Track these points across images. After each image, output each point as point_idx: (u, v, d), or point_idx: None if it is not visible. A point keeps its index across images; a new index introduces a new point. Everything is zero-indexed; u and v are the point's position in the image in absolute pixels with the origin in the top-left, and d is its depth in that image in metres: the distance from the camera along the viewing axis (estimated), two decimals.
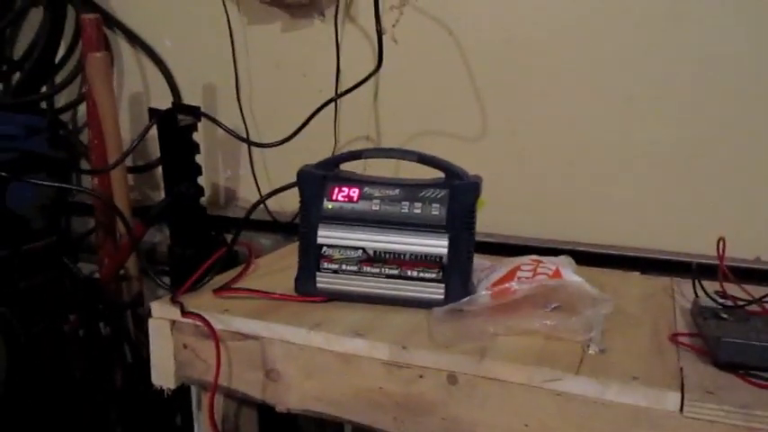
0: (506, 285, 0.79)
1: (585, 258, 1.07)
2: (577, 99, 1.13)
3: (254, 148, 1.39)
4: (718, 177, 1.07)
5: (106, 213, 1.28)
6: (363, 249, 0.83)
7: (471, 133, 1.21)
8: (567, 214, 1.17)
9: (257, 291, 0.89)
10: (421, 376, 0.73)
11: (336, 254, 0.83)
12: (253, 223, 1.39)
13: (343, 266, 0.83)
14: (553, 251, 1.10)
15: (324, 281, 0.85)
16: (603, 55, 1.10)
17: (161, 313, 0.87)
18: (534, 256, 0.90)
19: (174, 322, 0.86)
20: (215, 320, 0.83)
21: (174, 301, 0.86)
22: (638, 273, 1.07)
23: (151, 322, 0.88)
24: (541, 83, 1.15)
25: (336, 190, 0.84)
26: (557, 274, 0.82)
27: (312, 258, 0.84)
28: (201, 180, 1.20)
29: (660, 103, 1.08)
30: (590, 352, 0.72)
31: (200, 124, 1.21)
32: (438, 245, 0.81)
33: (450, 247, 0.81)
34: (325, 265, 0.84)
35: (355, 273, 0.83)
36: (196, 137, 1.18)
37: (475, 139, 1.20)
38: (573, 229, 1.17)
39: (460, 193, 0.82)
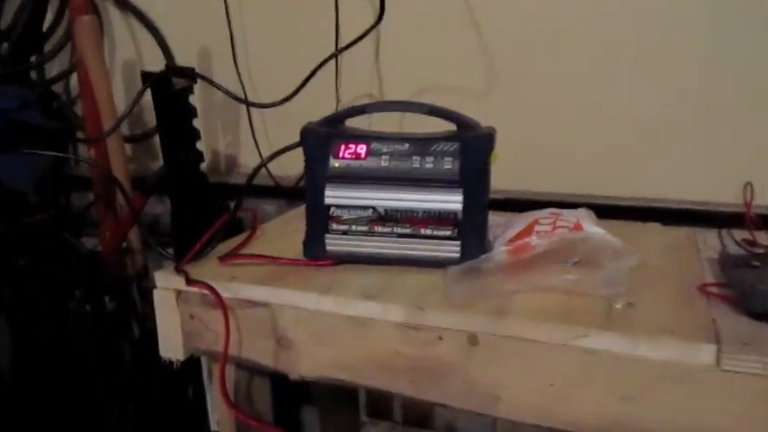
0: (525, 241, 0.76)
1: (603, 211, 1.02)
2: (588, 48, 1.08)
3: (253, 111, 1.34)
4: (735, 124, 1.02)
5: (104, 185, 1.23)
6: (373, 208, 0.79)
7: (480, 87, 1.16)
8: (582, 167, 1.12)
9: (264, 256, 0.85)
10: (440, 338, 0.69)
11: (345, 214, 0.79)
12: (256, 189, 1.34)
13: (353, 227, 0.80)
14: (569, 205, 1.05)
15: (333, 243, 0.81)
16: (613, 4, 1.05)
17: (165, 283, 0.84)
18: (553, 209, 0.86)
19: (179, 292, 0.83)
20: (222, 288, 0.79)
21: (178, 270, 0.82)
22: (658, 224, 1.03)
23: (156, 293, 0.85)
24: (552, 32, 1.10)
25: (343, 147, 0.80)
26: (577, 226, 0.78)
27: (320, 220, 0.80)
28: (201, 146, 1.15)
29: (673, 49, 1.03)
30: (616, 307, 0.68)
31: (196, 88, 1.16)
32: (452, 200, 0.77)
33: (465, 202, 0.77)
34: (334, 226, 0.80)
35: (366, 233, 0.80)
36: (193, 100, 1.14)
37: (484, 93, 1.15)
38: (589, 182, 1.12)
39: (473, 145, 0.77)
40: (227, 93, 1.11)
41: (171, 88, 1.02)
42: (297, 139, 0.82)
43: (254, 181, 0.98)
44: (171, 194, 1.12)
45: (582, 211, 0.87)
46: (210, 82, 1.10)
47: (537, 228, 0.81)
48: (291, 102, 1.14)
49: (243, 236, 0.95)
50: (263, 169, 1.17)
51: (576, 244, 0.74)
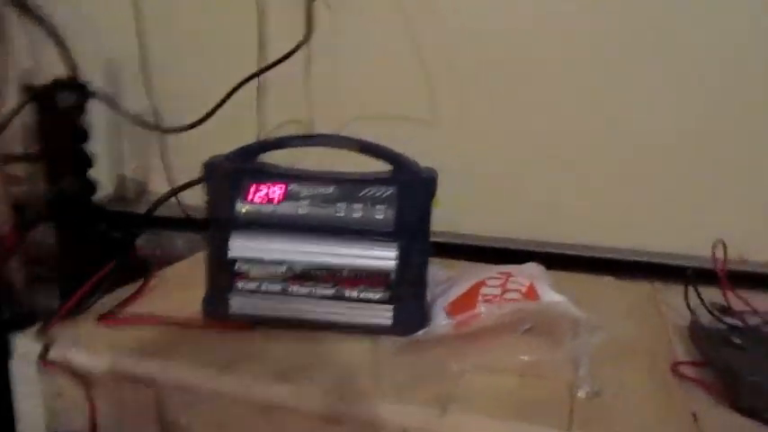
0: (472, 312, 0.63)
1: (553, 261, 0.92)
2: (547, 79, 0.97)
3: (167, 134, 1.18)
4: (698, 171, 0.94)
5: None
6: (288, 264, 0.65)
7: (423, 116, 1.03)
8: (532, 210, 1.01)
9: (153, 317, 0.69)
10: None
11: (254, 270, 0.65)
12: (164, 221, 1.19)
13: (264, 286, 0.65)
14: (515, 253, 0.95)
15: (239, 304, 0.66)
16: (575, 47, 0.95)
17: (25, 350, 0.67)
18: (501, 268, 0.74)
19: (45, 352, 0.66)
20: (97, 359, 0.63)
21: (42, 334, 0.66)
22: (612, 278, 0.92)
23: (13, 364, 0.68)
24: (504, 63, 0.99)
25: (253, 188, 0.65)
26: (531, 292, 0.66)
27: (223, 276, 0.66)
28: (97, 172, 0.99)
29: (644, 93, 0.94)
30: (580, 395, 0.56)
31: (101, 106, 1.00)
32: (384, 257, 0.64)
33: (401, 259, 0.64)
34: (240, 284, 0.65)
35: (279, 293, 0.65)
36: (97, 119, 0.98)
37: (427, 124, 1.03)
38: (534, 228, 1.01)
39: (412, 190, 0.65)
40: (125, 114, 0.96)
41: (55, 105, 0.85)
42: None
43: (164, 212, 0.83)
44: (56, 230, 0.94)
45: (533, 268, 0.75)
46: (107, 100, 0.94)
47: (484, 290, 0.68)
48: (212, 124, 1.00)
49: (135, 285, 0.79)
50: (174, 199, 1.02)
51: (532, 315, 0.62)
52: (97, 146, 1.24)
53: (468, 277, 0.72)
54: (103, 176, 1.28)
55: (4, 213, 1.05)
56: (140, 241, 1.21)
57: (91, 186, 0.92)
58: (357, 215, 0.64)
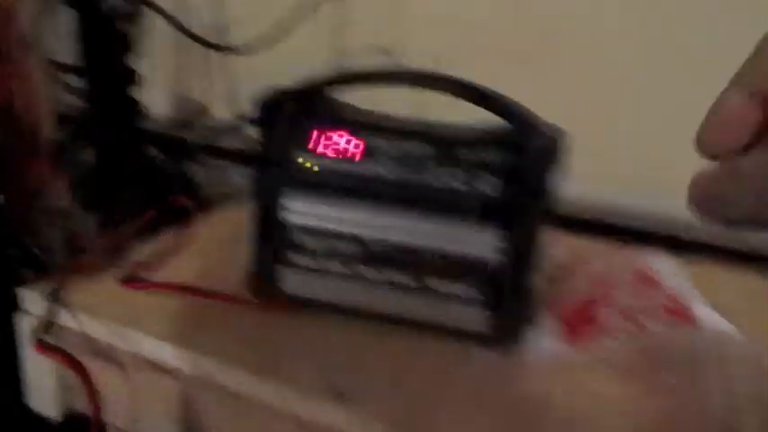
0: (599, 333, 0.47)
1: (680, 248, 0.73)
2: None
3: (232, 55, 1.04)
4: None
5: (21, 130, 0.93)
6: (360, 240, 0.49)
7: (547, 59, 0.84)
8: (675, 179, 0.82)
9: (188, 287, 0.56)
10: None
11: (314, 242, 0.50)
12: (225, 153, 1.06)
13: (325, 263, 0.50)
14: (639, 234, 0.77)
15: (291, 282, 0.52)
16: None
17: (34, 309, 0.55)
18: (625, 258, 0.57)
19: (50, 325, 0.55)
20: (116, 337, 0.51)
21: (50, 298, 0.54)
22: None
23: (20, 321, 0.56)
24: None
25: (321, 136, 0.50)
26: (681, 310, 0.49)
27: (272, 244, 0.51)
28: (153, 92, 0.86)
29: None
30: None
31: (161, 21, 0.86)
32: (485, 242, 0.48)
33: (507, 247, 0.48)
34: (294, 257, 0.51)
35: (344, 276, 0.50)
36: (151, 35, 0.84)
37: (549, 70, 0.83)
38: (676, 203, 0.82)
39: (533, 156, 0.47)
40: (187, 31, 0.81)
41: (97, 11, 0.71)
42: None
43: (226, 143, 0.70)
44: (96, 155, 0.82)
45: (667, 264, 0.57)
46: (159, 11, 0.79)
47: (614, 296, 0.51)
48: (284, 47, 0.84)
49: (178, 232, 0.66)
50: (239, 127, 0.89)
51: (686, 350, 0.45)
52: (154, 63, 1.11)
53: (587, 272, 0.55)
54: (160, 97, 1.15)
55: (48, 126, 0.93)
56: (196, 174, 1.09)
57: (134, 106, 0.79)
58: (456, 184, 0.48)
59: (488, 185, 0.47)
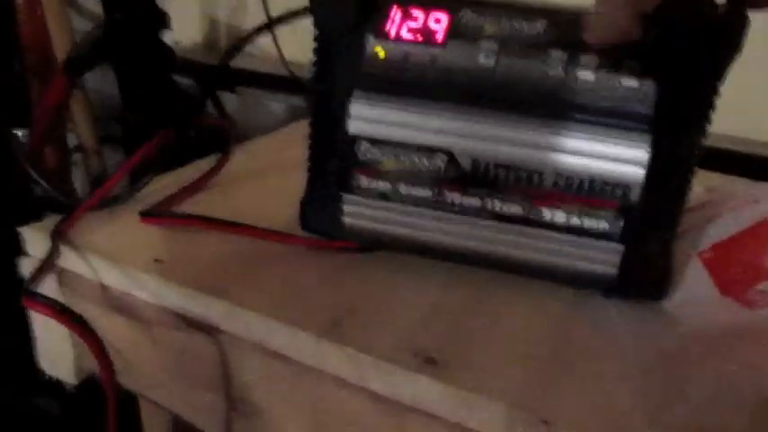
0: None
1: None
2: None
3: None
4: None
5: (37, 57, 0.82)
6: (450, 155, 0.37)
7: None
8: None
9: (221, 223, 0.44)
10: None
11: (388, 159, 0.38)
12: (261, 78, 0.94)
13: (402, 187, 0.38)
14: None
15: (360, 215, 0.40)
16: None
17: (40, 253, 0.44)
18: None
19: (62, 271, 0.44)
20: (134, 285, 0.40)
21: (54, 236, 0.42)
22: None
23: (24, 264, 0.46)
24: None
25: (397, 14, 0.37)
26: None
27: (335, 164, 0.39)
28: (181, 12, 0.73)
29: None
30: None
31: None
32: (627, 158, 0.35)
33: (655, 166, 0.35)
34: (364, 181, 0.38)
35: (427, 203, 0.38)
36: None
37: None
38: None
39: (701, 36, 0.34)
40: None
41: None
42: None
43: (262, 68, 0.57)
44: (118, 77, 0.71)
45: None
46: None
47: None
48: None
49: (206, 163, 0.54)
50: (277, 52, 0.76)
51: None
52: None
53: (744, 198, 0.42)
54: (190, 19, 1.03)
55: (64, 43, 0.81)
56: (230, 107, 0.97)
57: (159, 18, 0.66)
58: (585, 77, 0.34)
59: (633, 82, 0.34)
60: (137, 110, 0.68)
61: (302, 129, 0.41)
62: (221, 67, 0.54)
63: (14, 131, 0.86)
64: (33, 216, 0.47)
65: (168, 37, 0.72)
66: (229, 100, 0.98)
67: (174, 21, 0.98)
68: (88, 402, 0.48)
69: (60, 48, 0.78)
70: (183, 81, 0.96)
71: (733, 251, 0.40)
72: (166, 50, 0.71)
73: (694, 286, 0.39)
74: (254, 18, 0.99)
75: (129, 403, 0.50)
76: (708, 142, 0.35)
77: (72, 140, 0.93)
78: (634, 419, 0.30)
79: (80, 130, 0.93)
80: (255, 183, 0.53)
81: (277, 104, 0.94)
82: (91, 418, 0.47)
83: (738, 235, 0.40)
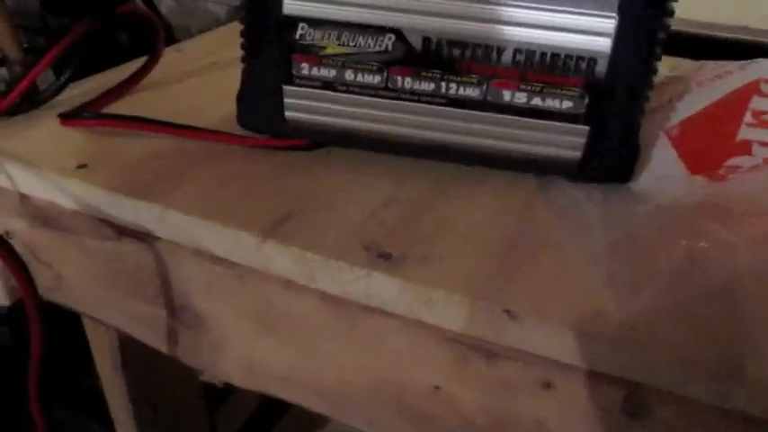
0: (751, 161, 0.32)
1: None
2: None
3: None
4: None
5: None
6: (398, 33, 0.33)
7: None
8: None
9: (150, 122, 0.40)
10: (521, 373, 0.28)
11: (330, 42, 0.34)
12: None
13: (348, 73, 0.34)
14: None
15: (300, 106, 0.36)
16: None
17: None
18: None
19: None
20: (60, 194, 0.36)
21: None
22: None
23: None
24: None
25: None
26: None
27: (273, 51, 0.35)
28: None
29: None
30: None
31: None
32: (592, 29, 0.32)
33: (622, 36, 0.32)
34: (305, 69, 0.35)
35: (375, 89, 0.35)
36: None
37: None
38: None
39: None
40: None
41: None
42: None
43: None
44: None
45: None
46: None
47: (756, 104, 0.36)
48: None
49: (135, 64, 0.49)
50: None
51: None
52: None
53: (714, 71, 0.39)
54: None
55: None
56: (166, 9, 0.90)
57: None
58: None
59: None
60: (56, 11, 0.62)
61: (237, 29, 0.36)
62: None
63: None
64: None
65: None
66: (164, 2, 0.91)
67: None
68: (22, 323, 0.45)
69: None
70: None
71: (702, 127, 0.38)
72: None
73: (662, 165, 0.37)
74: None
75: (73, 318, 0.47)
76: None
77: None
78: (602, 304, 0.28)
79: (2, 41, 0.85)
80: (189, 83, 0.49)
81: (214, 6, 0.88)
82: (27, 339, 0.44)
83: (707, 109, 0.38)
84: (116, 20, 0.46)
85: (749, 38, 0.63)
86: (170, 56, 0.53)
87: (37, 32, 0.89)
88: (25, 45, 0.87)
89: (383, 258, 0.30)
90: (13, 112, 0.43)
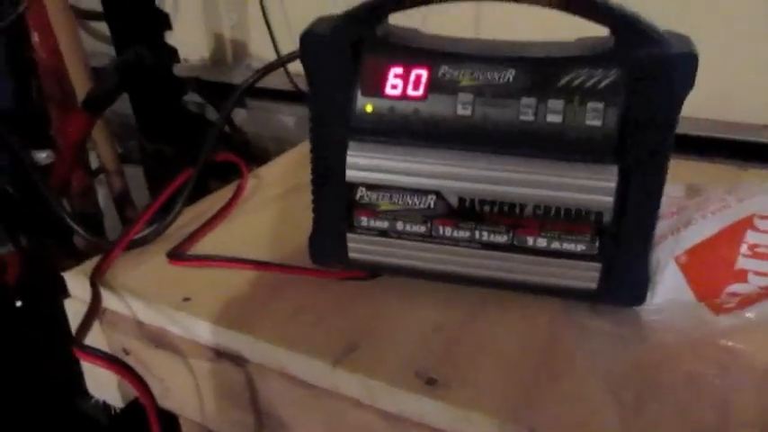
0: (737, 284, 0.38)
1: None
2: None
3: None
4: None
5: (52, 81, 0.87)
6: (438, 194, 0.41)
7: None
8: None
9: (241, 261, 0.49)
10: None
11: (384, 201, 0.42)
12: (269, 93, 0.98)
13: (399, 224, 0.42)
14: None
15: (361, 249, 0.44)
16: None
17: (81, 293, 0.50)
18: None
19: (104, 311, 0.49)
20: (168, 321, 0.45)
21: (93, 281, 0.48)
22: None
23: (69, 305, 0.51)
24: None
25: (383, 71, 0.41)
26: None
27: (337, 206, 0.43)
28: (188, 32, 0.77)
29: None
30: None
31: None
32: (596, 187, 0.39)
33: (622, 192, 0.39)
34: (363, 220, 0.43)
35: (421, 236, 0.42)
36: None
37: None
38: None
39: (652, 75, 0.37)
40: None
41: None
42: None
43: (270, 83, 0.61)
44: (134, 110, 0.75)
45: None
46: None
47: (752, 238, 0.42)
48: None
49: (221, 195, 0.59)
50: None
51: None
52: (186, 1, 1.02)
53: (715, 204, 0.45)
54: (197, 37, 1.07)
55: (82, 81, 0.85)
56: (240, 119, 1.02)
57: (168, 53, 0.71)
58: (554, 119, 0.38)
59: (598, 119, 0.38)
60: (152, 138, 0.73)
61: (307, 149, 0.44)
62: (223, 115, 0.57)
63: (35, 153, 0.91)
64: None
65: (178, 68, 0.77)
66: (239, 114, 1.02)
67: (182, 39, 1.03)
68: (134, 420, 0.53)
69: (75, 74, 0.83)
70: (195, 99, 1.01)
71: (707, 254, 0.44)
72: (177, 82, 0.75)
73: (672, 290, 0.43)
74: (257, 36, 1.03)
75: (171, 419, 0.55)
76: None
77: (94, 160, 0.99)
78: (610, 424, 0.34)
79: (101, 153, 0.99)
80: (267, 213, 0.58)
81: (284, 116, 0.99)
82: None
83: (712, 238, 0.44)
84: (210, 166, 0.55)
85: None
86: (250, 182, 0.62)
87: (132, 140, 1.02)
88: (120, 151, 0.99)
89: (430, 384, 0.37)
90: (128, 247, 0.52)
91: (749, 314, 0.38)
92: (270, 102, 1.00)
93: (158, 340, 0.47)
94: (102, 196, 1.06)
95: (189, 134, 0.76)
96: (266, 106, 1.00)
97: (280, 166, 0.69)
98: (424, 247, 0.43)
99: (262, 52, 1.04)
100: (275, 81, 0.94)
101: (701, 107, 0.74)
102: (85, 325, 0.43)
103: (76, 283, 0.50)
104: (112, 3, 0.66)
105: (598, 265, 0.41)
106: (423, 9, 0.40)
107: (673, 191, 0.53)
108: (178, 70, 0.89)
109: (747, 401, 0.35)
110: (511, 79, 0.39)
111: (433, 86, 0.40)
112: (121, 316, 0.48)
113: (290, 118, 0.98)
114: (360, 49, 0.41)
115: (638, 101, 0.37)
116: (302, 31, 0.41)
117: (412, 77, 0.40)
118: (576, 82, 0.38)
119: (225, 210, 0.57)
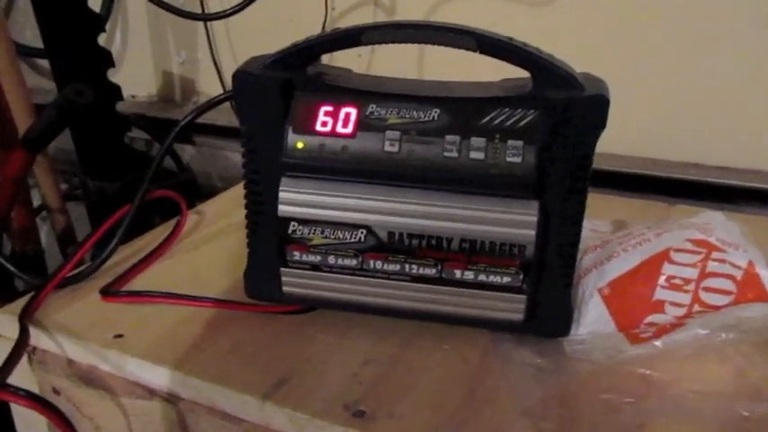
0: (656, 314, 0.39)
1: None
2: None
3: (215, 22, 0.96)
4: None
5: None
6: (368, 228, 0.42)
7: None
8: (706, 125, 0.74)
9: (174, 296, 0.49)
10: None
11: (316, 235, 0.43)
12: (215, 130, 0.99)
13: (331, 258, 0.43)
14: (681, 184, 0.71)
15: (294, 283, 0.45)
16: None
17: (10, 333, 0.49)
18: (692, 225, 0.49)
19: (33, 349, 0.48)
20: (99, 359, 0.45)
21: (22, 319, 0.47)
22: None
23: None
24: None
25: (313, 109, 0.42)
26: (752, 280, 0.42)
27: (271, 243, 0.44)
28: (137, 69, 0.78)
29: None
30: None
31: None
32: (519, 222, 0.40)
33: (544, 226, 0.40)
34: (296, 255, 0.44)
35: (353, 270, 0.43)
36: (128, 8, 0.75)
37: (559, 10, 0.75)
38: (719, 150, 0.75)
39: (567, 115, 0.39)
40: (158, 2, 0.72)
41: None
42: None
43: (217, 121, 0.62)
44: (76, 148, 0.75)
45: (727, 226, 0.49)
46: None
47: (669, 270, 0.44)
48: (268, 10, 0.76)
49: (160, 232, 0.59)
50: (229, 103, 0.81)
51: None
52: (135, 38, 1.03)
53: (636, 239, 0.47)
54: (145, 73, 1.07)
55: (24, 118, 0.85)
56: (187, 157, 1.02)
57: (113, 92, 0.71)
58: (476, 156, 0.40)
59: (517, 156, 0.40)
60: (94, 175, 0.73)
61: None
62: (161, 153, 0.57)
63: None
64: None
65: (122, 104, 0.77)
66: (187, 151, 1.03)
67: (130, 75, 1.03)
68: None
69: (17, 111, 0.82)
70: (142, 136, 1.01)
71: (628, 286, 0.46)
72: (120, 119, 0.75)
73: (596, 322, 0.45)
74: (206, 74, 1.04)
75: None
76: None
77: (36, 197, 0.97)
78: None
79: (44, 190, 0.97)
80: (206, 249, 0.58)
81: (232, 153, 0.99)
82: None
83: (633, 270, 0.46)
84: (150, 203, 0.55)
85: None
86: (191, 218, 0.63)
87: (74, 175, 1.01)
88: (65, 188, 0.98)
89: (357, 416, 0.37)
90: (61, 285, 0.52)
91: (657, 343, 0.40)
92: (217, 139, 1.00)
93: (88, 379, 0.46)
94: (45, 234, 1.04)
95: (132, 171, 0.76)
96: (214, 143, 1.01)
97: (222, 202, 0.69)
98: (356, 281, 0.43)
99: (210, 89, 1.05)
100: (222, 118, 0.95)
101: (633, 145, 0.77)
102: (9, 364, 0.42)
103: (4, 322, 0.49)
104: (53, 40, 0.66)
105: (523, 297, 0.42)
106: (367, 50, 0.42)
107: (600, 226, 0.55)
108: (124, 107, 0.89)
109: (660, 429, 0.36)
110: (436, 117, 0.40)
111: (362, 124, 0.41)
112: (52, 355, 0.47)
113: (238, 155, 0.98)
114: (290, 88, 0.42)
115: (554, 139, 0.39)
116: (235, 70, 0.42)
117: (341, 115, 0.41)
118: (497, 121, 0.40)
119: (163, 246, 0.57)
